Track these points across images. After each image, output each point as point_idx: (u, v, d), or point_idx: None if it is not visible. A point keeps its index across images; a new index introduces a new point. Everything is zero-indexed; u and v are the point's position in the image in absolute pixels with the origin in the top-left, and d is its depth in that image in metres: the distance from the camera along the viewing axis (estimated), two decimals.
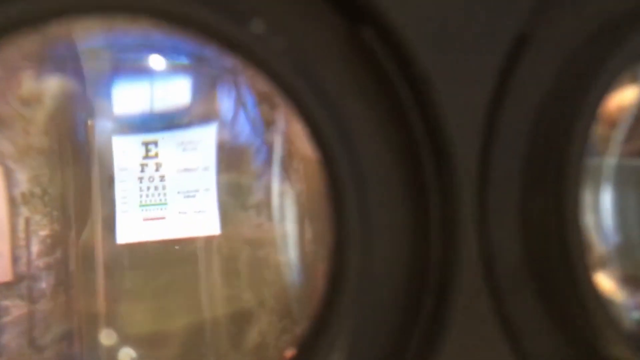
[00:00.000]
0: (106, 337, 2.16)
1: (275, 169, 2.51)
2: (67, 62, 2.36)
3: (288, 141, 2.59)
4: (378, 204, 0.69)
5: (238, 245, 2.47)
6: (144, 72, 2.51)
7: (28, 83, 2.28)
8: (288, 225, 2.57)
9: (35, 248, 2.16)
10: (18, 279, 2.27)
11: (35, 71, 2.32)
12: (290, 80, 0.65)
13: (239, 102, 2.59)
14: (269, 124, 2.66)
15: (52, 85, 2.35)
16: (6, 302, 2.27)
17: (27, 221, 2.08)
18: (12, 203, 2.29)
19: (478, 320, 0.65)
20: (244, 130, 2.58)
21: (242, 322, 2.45)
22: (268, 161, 2.58)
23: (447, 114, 0.63)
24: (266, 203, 2.57)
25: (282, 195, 2.59)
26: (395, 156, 0.70)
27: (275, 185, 2.56)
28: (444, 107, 0.60)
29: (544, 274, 0.65)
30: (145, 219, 2.20)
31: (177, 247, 2.62)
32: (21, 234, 2.14)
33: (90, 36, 2.48)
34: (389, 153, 0.70)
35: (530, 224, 0.65)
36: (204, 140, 2.12)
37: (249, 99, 2.64)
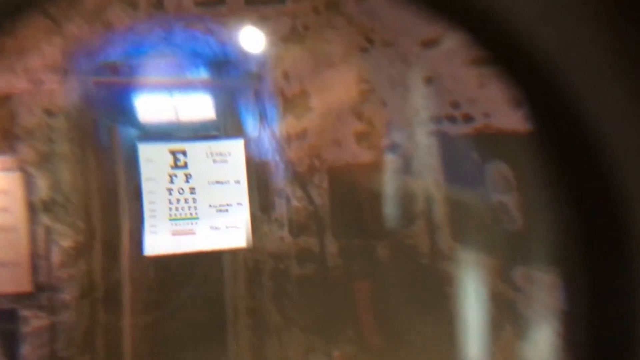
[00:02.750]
0: None
1: (296, 184, 2.44)
2: (89, 74, 2.29)
3: (312, 155, 2.52)
4: None
5: (262, 258, 2.40)
6: (164, 84, 2.45)
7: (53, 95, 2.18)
8: (308, 240, 2.51)
9: (56, 258, 2.09)
10: (38, 289, 2.18)
11: (59, 84, 2.24)
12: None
13: (261, 116, 2.54)
14: (291, 138, 2.60)
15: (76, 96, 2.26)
16: (26, 313, 2.19)
17: (48, 230, 2.01)
18: (31, 210, 2.21)
19: None
20: (267, 145, 2.51)
21: (264, 333, 2.40)
22: (288, 176, 2.52)
23: None
24: (287, 217, 2.51)
25: (302, 210, 2.53)
26: None
27: (295, 200, 2.50)
28: None
29: None
30: (175, 233, 2.14)
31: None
32: (41, 244, 2.06)
33: (109, 48, 2.41)
34: None
35: None
36: (233, 153, 2.08)
37: (270, 111, 2.59)
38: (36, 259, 2.11)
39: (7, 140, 2.07)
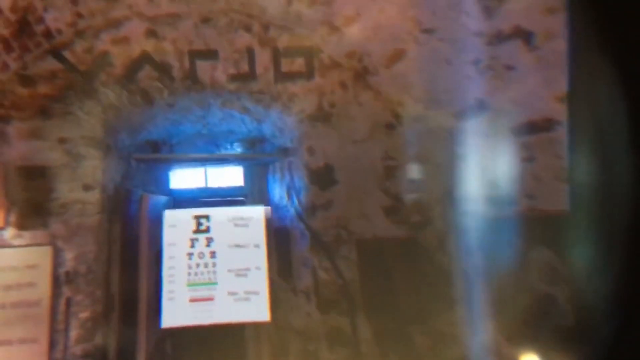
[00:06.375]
0: None
1: (322, 254, 2.32)
2: (130, 151, 2.33)
3: (338, 225, 2.41)
4: None
5: (289, 335, 2.23)
6: (200, 160, 2.47)
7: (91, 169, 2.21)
8: (339, 318, 2.35)
9: (74, 332, 2.00)
10: None
11: (99, 160, 2.26)
12: None
13: (289, 186, 2.47)
14: (315, 208, 2.51)
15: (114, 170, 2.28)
16: None
17: (68, 302, 1.94)
18: (56, 283, 2.15)
19: None
20: (291, 213, 2.44)
21: None
22: (313, 246, 2.41)
23: None
24: (314, 290, 2.37)
25: (330, 283, 2.39)
26: None
27: (322, 271, 2.37)
28: None
29: None
30: (193, 299, 2.06)
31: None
32: (61, 317, 1.98)
33: (152, 127, 2.46)
34: None
35: None
36: (255, 218, 2.04)
37: (298, 183, 2.53)
38: (54, 335, 2.04)
39: (41, 216, 2.05)
